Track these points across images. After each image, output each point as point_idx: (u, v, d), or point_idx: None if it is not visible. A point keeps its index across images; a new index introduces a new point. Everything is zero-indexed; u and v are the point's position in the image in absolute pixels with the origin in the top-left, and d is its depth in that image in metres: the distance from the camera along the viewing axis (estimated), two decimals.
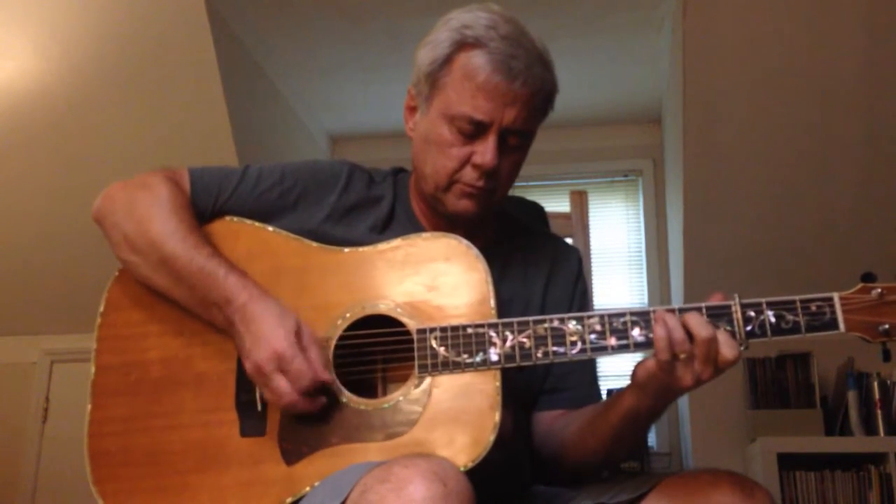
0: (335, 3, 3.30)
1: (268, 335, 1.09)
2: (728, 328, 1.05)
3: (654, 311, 1.07)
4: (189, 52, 3.22)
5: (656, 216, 4.12)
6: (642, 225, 4.16)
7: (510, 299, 1.24)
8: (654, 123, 4.15)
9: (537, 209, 1.52)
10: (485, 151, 1.19)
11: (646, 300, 4.06)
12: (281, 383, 1.07)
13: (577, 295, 1.35)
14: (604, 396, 1.33)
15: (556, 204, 1.72)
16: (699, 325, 1.02)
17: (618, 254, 4.16)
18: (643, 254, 4.13)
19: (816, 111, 3.13)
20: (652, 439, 3.82)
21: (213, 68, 3.23)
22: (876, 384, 3.20)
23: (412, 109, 1.29)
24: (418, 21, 3.48)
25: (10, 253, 3.84)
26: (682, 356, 1.03)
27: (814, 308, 1.07)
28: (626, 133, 4.19)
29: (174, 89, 3.36)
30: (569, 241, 1.54)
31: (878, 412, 3.17)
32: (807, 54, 3.01)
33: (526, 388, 1.25)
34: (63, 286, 3.85)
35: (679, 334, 1.03)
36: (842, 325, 1.06)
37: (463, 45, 1.20)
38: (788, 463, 3.10)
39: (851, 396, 3.19)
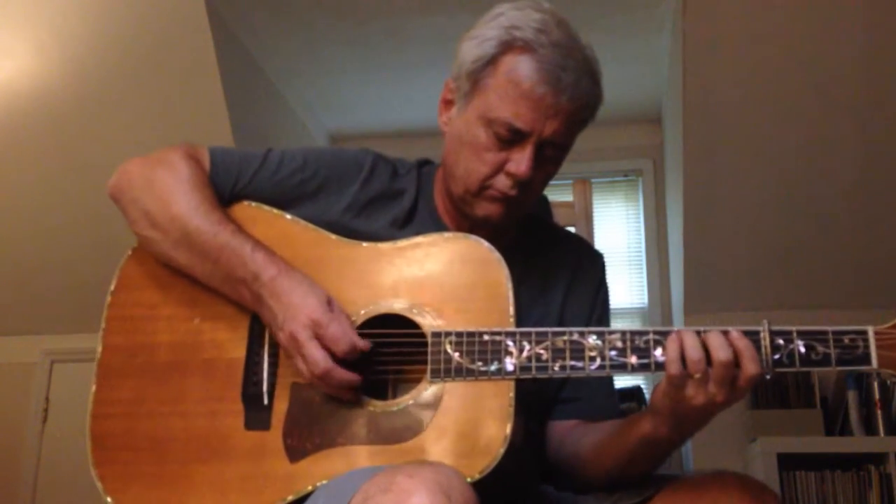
0: (335, 4, 3.29)
1: (301, 304, 1.08)
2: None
3: (675, 331, 1.02)
4: (189, 52, 3.21)
5: (656, 216, 4.11)
6: (642, 225, 4.16)
7: (529, 304, 1.21)
8: (654, 123, 4.15)
9: (541, 199, 1.47)
10: (521, 161, 1.14)
11: (646, 300, 4.06)
12: (316, 352, 1.06)
13: (598, 304, 1.31)
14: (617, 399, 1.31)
15: (557, 198, 1.69)
16: (719, 347, 0.98)
17: (618, 253, 4.16)
18: (643, 254, 4.13)
19: (816, 111, 3.13)
20: None
21: (213, 68, 3.23)
22: (876, 384, 3.19)
23: (448, 103, 1.23)
24: (418, 21, 3.49)
25: (10, 253, 3.84)
26: (697, 376, 0.98)
27: (847, 341, 1.01)
28: (626, 133, 4.18)
29: (174, 89, 3.36)
30: (571, 230, 1.51)
31: (878, 412, 3.17)
32: (806, 54, 3.01)
33: (539, 395, 1.21)
34: (63, 286, 3.85)
35: (696, 354, 0.98)
36: (874, 361, 1.01)
37: (511, 46, 1.14)
38: (788, 463, 3.09)
39: (851, 396, 3.18)
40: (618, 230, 4.20)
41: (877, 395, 3.19)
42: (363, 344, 1.08)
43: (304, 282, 1.11)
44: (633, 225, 4.20)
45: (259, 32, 3.48)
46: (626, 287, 4.11)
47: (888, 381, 3.20)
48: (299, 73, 3.80)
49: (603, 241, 4.08)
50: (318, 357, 1.06)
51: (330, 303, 1.09)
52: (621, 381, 3.33)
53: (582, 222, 1.60)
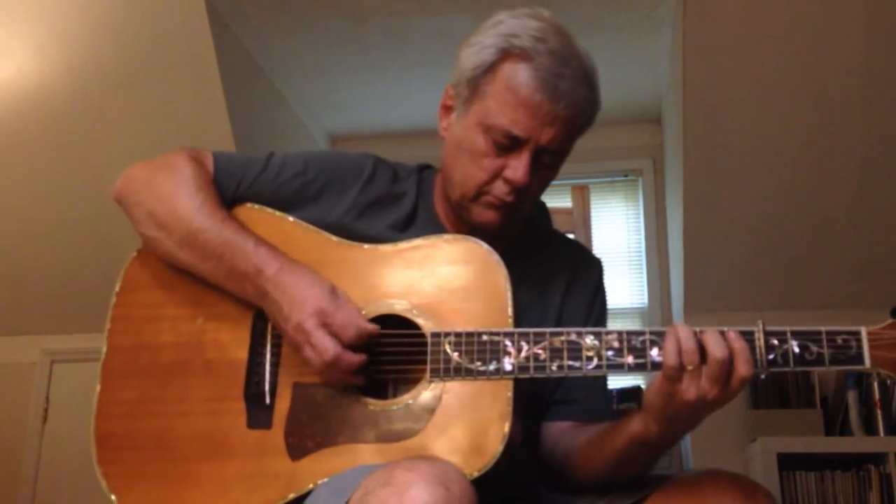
0: (335, 3, 3.29)
1: (306, 295, 1.10)
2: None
3: (672, 326, 1.03)
4: (189, 52, 3.22)
5: (656, 216, 4.11)
6: (642, 225, 4.16)
7: (527, 306, 1.22)
8: (654, 123, 4.15)
9: (540, 205, 1.49)
10: (517, 167, 1.16)
11: (646, 300, 4.06)
12: (324, 339, 1.07)
13: (596, 307, 1.32)
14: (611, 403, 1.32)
15: (556, 203, 1.70)
16: (715, 345, 0.99)
17: (618, 254, 4.16)
18: (643, 254, 4.13)
19: (816, 111, 3.13)
20: None
21: (213, 68, 3.23)
22: (876, 384, 3.20)
23: (448, 109, 1.25)
24: (418, 21, 3.49)
25: (10, 253, 3.84)
26: (690, 367, 0.99)
27: (840, 341, 1.03)
28: (626, 133, 4.18)
29: (174, 89, 3.36)
30: (570, 236, 1.52)
31: (878, 412, 3.17)
32: (806, 54, 3.01)
33: (535, 396, 1.23)
34: (63, 286, 3.85)
35: (690, 345, 1.00)
36: (867, 361, 1.03)
37: (509, 54, 1.16)
38: (788, 463, 3.10)
39: (851, 396, 3.19)
40: (617, 230, 4.20)
41: (877, 395, 3.19)
42: (371, 328, 1.10)
43: (307, 274, 1.13)
44: (633, 225, 4.20)
45: (259, 32, 3.49)
46: (626, 287, 4.11)
47: (888, 381, 3.20)
48: (299, 73, 3.80)
49: (603, 241, 4.08)
50: (328, 344, 1.07)
51: (334, 291, 1.11)
52: (621, 381, 3.33)
53: (580, 229, 1.61)
